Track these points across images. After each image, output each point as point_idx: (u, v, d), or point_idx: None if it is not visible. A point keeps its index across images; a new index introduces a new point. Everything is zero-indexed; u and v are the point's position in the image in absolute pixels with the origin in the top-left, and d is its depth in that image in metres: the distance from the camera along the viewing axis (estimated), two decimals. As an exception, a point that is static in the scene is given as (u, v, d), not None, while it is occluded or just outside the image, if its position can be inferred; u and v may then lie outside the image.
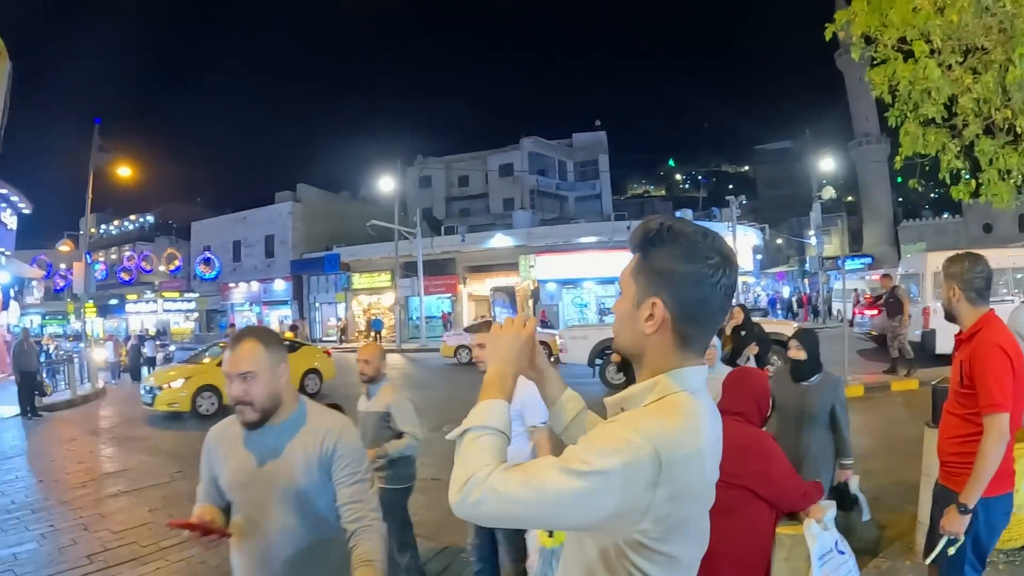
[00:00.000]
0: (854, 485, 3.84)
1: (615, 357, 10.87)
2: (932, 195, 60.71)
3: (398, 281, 30.99)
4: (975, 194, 5.91)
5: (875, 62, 5.84)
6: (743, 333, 7.78)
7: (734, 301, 1.29)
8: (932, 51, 5.23)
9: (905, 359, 11.98)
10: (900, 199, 56.19)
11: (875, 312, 15.10)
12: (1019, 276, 13.71)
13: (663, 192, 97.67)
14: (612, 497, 1.04)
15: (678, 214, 41.14)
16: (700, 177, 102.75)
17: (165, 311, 44.73)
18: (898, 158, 6.10)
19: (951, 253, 2.98)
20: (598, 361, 13.57)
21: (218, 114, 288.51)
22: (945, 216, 47.65)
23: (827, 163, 30.73)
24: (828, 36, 5.95)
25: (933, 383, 4.35)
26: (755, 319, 16.06)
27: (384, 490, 3.54)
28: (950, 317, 2.89)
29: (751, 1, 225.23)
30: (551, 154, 49.11)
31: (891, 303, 12.26)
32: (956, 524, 2.66)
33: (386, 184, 31.86)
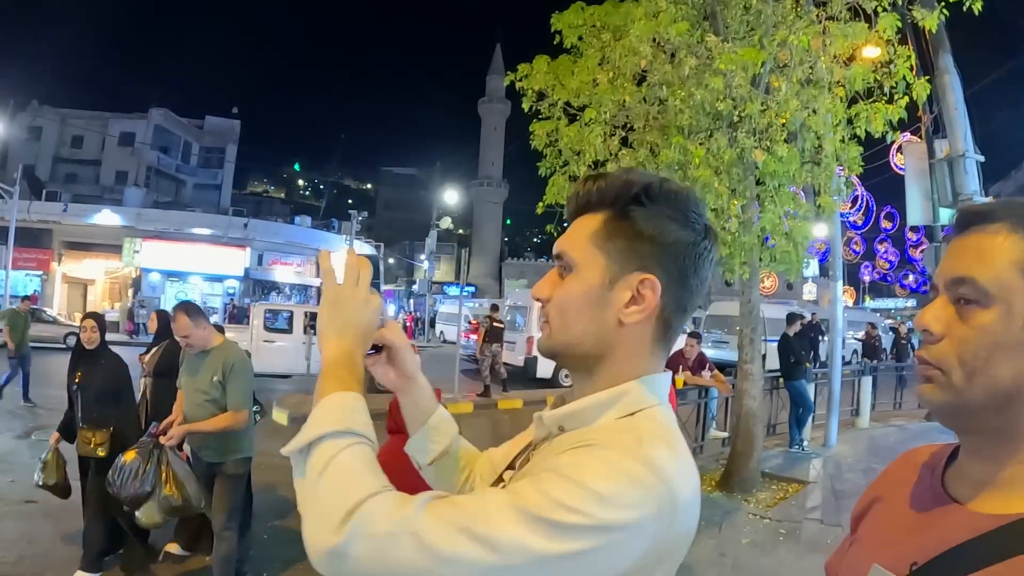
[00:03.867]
0: None
1: None
2: (535, 239, 73.95)
3: (-20, 249, 25.18)
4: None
5: (541, 116, 6.39)
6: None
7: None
8: (596, 120, 5.95)
9: (499, 380, 13.30)
10: (506, 239, 65.88)
11: (477, 337, 14.95)
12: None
13: (283, 195, 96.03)
14: (615, 562, 0.63)
15: (296, 220, 42.14)
16: (322, 187, 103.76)
17: None
18: (540, 204, 6.58)
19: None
20: None
21: None
22: (544, 259, 55.71)
23: (450, 195, 35.15)
24: (507, 82, 6.49)
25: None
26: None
27: None
28: None
29: (409, 31, 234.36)
30: (179, 132, 45.24)
31: (492, 330, 13.10)
32: None
33: (-10, 126, 25.76)
